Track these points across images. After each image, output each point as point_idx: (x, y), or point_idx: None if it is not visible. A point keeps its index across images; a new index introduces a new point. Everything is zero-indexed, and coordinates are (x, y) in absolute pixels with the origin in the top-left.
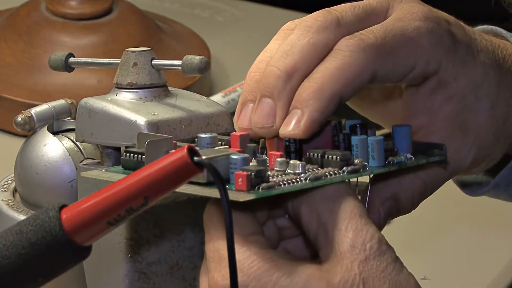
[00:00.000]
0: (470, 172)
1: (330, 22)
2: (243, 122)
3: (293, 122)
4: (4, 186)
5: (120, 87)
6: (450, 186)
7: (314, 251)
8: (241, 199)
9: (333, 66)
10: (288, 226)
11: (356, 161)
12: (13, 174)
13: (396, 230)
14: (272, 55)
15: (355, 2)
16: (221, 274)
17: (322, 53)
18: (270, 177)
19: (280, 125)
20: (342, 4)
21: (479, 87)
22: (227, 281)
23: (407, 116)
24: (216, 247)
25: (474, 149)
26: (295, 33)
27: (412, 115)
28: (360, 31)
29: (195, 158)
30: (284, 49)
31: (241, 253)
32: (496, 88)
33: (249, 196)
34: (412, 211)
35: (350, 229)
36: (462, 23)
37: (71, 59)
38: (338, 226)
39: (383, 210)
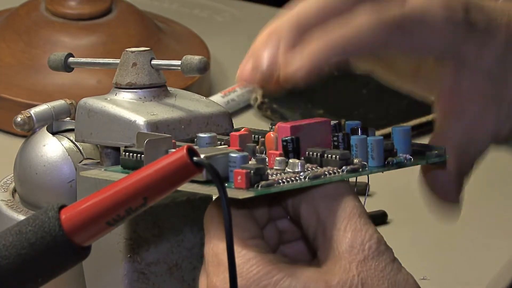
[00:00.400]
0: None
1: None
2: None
3: (297, 62)
4: (4, 186)
5: (119, 87)
6: None
7: (314, 255)
8: (240, 197)
9: (349, 29)
10: (289, 229)
11: (355, 160)
12: (12, 174)
13: (395, 230)
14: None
15: None
16: (220, 278)
17: (337, 11)
18: (270, 175)
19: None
20: None
21: (503, 61)
22: (226, 286)
23: (439, 95)
24: (215, 250)
25: (510, 119)
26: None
27: (443, 95)
28: (383, 3)
29: (195, 158)
30: (298, 9)
31: (240, 256)
32: None
33: (248, 194)
34: (411, 211)
35: (349, 229)
36: (481, 3)
37: (71, 59)
38: (337, 225)
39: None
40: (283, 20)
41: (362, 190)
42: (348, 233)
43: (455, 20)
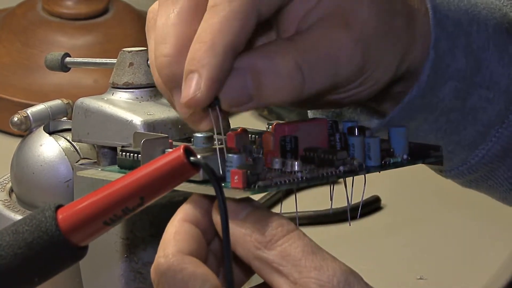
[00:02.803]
0: (364, 80)
1: None
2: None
3: (193, 86)
4: (0, 186)
5: (116, 87)
6: (449, 187)
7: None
8: (237, 197)
9: (217, 21)
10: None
11: (352, 160)
12: (9, 174)
13: (394, 231)
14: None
15: None
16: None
17: (193, 16)
18: (266, 175)
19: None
20: None
21: None
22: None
23: (282, 29)
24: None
25: (361, 42)
26: (160, 15)
27: (288, 26)
28: None
29: (191, 158)
30: (159, 35)
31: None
32: None
33: (245, 194)
34: (409, 211)
35: (311, 269)
36: None
37: (67, 59)
38: (297, 269)
39: (236, 75)
40: (162, 66)
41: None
42: (311, 273)
43: None
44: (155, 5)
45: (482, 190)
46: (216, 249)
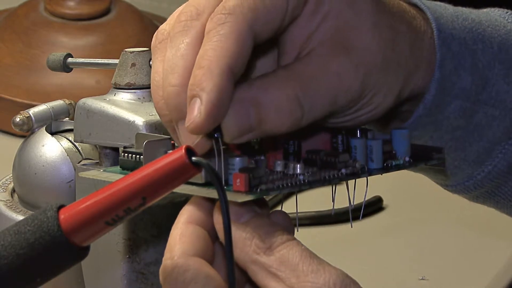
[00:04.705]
0: (363, 107)
1: (190, 16)
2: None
3: (194, 110)
4: (3, 187)
5: (118, 87)
6: None
7: None
8: (239, 200)
9: (212, 46)
10: None
11: (354, 163)
12: (11, 175)
13: (396, 231)
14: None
15: None
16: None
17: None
18: (269, 178)
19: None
20: None
21: (355, 3)
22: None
23: (283, 54)
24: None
25: (362, 69)
26: (170, 45)
27: (292, 48)
28: (221, 4)
29: (193, 158)
30: (168, 64)
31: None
32: (377, 8)
33: (247, 197)
34: (410, 211)
35: (308, 273)
36: None
37: (69, 60)
38: (295, 273)
39: (238, 107)
40: (171, 95)
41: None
42: (308, 277)
43: None
44: (165, 27)
45: (489, 205)
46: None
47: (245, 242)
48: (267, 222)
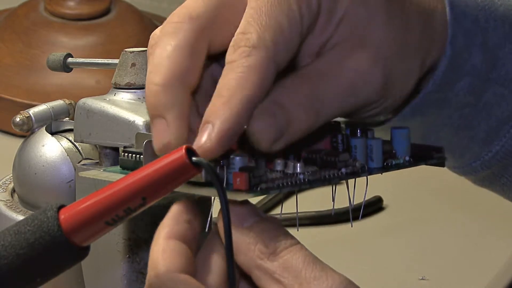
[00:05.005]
0: (386, 98)
1: (183, 19)
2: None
3: (205, 136)
4: (3, 187)
5: (118, 87)
6: (451, 187)
7: None
8: (239, 199)
9: (235, 77)
10: None
11: (354, 162)
12: (11, 175)
13: (396, 231)
14: None
15: None
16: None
17: (190, 50)
18: (268, 177)
19: (177, 136)
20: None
21: (366, 1)
22: None
23: (300, 61)
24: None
25: (380, 61)
26: (158, 45)
27: (306, 57)
28: (241, 33)
29: (193, 158)
30: (154, 63)
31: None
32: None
33: (248, 196)
34: (410, 211)
35: (310, 280)
36: None
37: (69, 60)
38: (298, 280)
39: (265, 115)
40: (150, 93)
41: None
42: (311, 284)
43: None
44: (157, 31)
45: (495, 189)
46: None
47: (249, 247)
48: (271, 226)
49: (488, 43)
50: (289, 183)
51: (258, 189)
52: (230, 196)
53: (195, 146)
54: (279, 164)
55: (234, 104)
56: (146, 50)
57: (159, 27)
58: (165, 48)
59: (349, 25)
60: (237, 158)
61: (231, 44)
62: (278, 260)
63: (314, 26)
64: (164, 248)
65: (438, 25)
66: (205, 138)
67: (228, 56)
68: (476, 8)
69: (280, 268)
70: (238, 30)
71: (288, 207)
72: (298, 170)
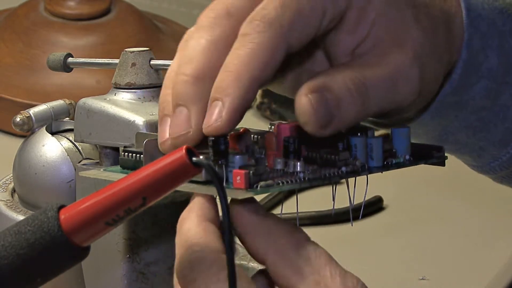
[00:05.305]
0: (419, 98)
1: (220, 14)
2: (162, 136)
3: (215, 113)
4: (3, 187)
5: (118, 87)
6: (451, 187)
7: None
8: (239, 197)
9: (245, 52)
10: None
11: (354, 161)
12: (11, 175)
13: (396, 231)
14: (177, 70)
15: None
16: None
17: (225, 46)
18: (269, 176)
19: (197, 129)
20: None
21: (396, 2)
22: None
23: (336, 60)
24: None
25: (417, 60)
26: (193, 37)
27: (343, 56)
28: (260, 8)
29: (194, 158)
30: (186, 55)
31: None
32: (413, 1)
33: (248, 194)
34: (411, 211)
35: (335, 275)
36: None
37: (70, 60)
38: (318, 275)
39: (314, 98)
40: (179, 82)
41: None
42: (335, 278)
43: None
44: (193, 27)
45: None
46: None
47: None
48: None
49: (505, 46)
50: (289, 182)
51: (258, 187)
52: (230, 194)
53: (205, 124)
54: (279, 163)
55: (244, 82)
56: (146, 50)
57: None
58: (199, 41)
59: (383, 25)
60: (237, 156)
61: (248, 17)
62: (302, 251)
63: (342, 22)
64: (206, 228)
65: (457, 29)
66: (215, 116)
67: (242, 28)
68: (493, 11)
69: (302, 259)
70: (259, 6)
71: (288, 207)
72: (298, 168)
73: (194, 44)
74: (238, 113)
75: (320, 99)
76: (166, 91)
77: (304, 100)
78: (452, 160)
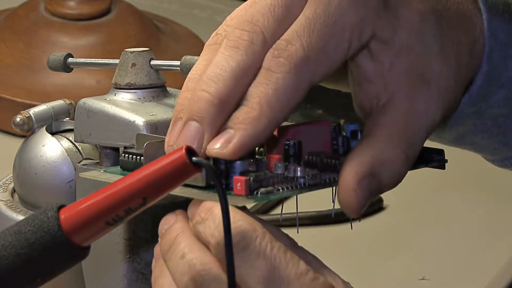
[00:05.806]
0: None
1: (256, 40)
2: (170, 140)
3: (221, 141)
4: (3, 187)
5: (118, 87)
6: (451, 187)
7: None
8: (240, 204)
9: (269, 92)
10: None
11: None
12: (11, 175)
13: (396, 231)
14: (201, 74)
15: (274, 1)
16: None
17: (254, 75)
18: (269, 181)
19: (202, 148)
20: (261, 8)
21: (422, 33)
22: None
23: (360, 85)
24: None
25: (441, 99)
26: (222, 54)
27: (366, 82)
28: (286, 41)
29: (194, 158)
30: (213, 72)
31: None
32: (440, 29)
33: (248, 201)
34: (411, 211)
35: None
36: None
37: (70, 60)
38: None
39: (360, 190)
40: (202, 99)
41: None
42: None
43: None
44: (223, 30)
45: None
46: None
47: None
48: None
49: None
50: (289, 188)
51: (258, 194)
52: (231, 201)
53: (210, 145)
54: (279, 167)
55: (261, 122)
56: (146, 50)
57: (225, 26)
58: (229, 62)
59: (407, 59)
60: (238, 162)
61: (273, 47)
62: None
63: (366, 50)
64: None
65: (480, 46)
66: (222, 143)
67: (268, 61)
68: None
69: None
70: (284, 35)
71: (288, 207)
72: (299, 174)
73: (223, 63)
74: (245, 149)
75: (366, 195)
76: (187, 95)
77: (353, 196)
78: (452, 161)
